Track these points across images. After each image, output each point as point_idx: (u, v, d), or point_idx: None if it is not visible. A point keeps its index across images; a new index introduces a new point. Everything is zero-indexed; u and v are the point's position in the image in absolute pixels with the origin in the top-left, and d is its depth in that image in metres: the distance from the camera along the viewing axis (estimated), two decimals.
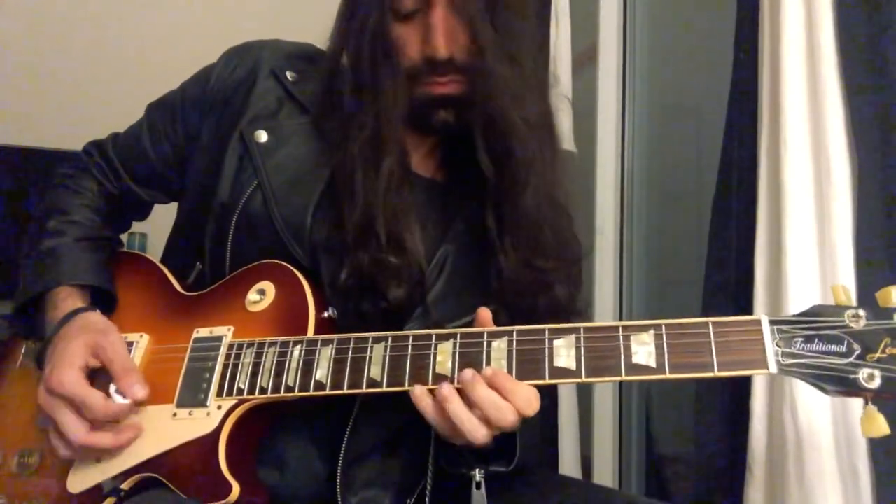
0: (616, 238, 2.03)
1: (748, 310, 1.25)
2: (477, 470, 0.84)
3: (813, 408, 1.11)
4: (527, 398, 0.76)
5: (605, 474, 1.95)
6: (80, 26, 2.50)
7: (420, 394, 0.79)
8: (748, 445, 1.21)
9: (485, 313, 0.84)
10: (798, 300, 1.15)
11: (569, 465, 1.93)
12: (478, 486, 0.83)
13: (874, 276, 1.09)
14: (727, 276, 1.35)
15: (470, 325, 0.86)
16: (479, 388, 0.76)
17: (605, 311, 2.01)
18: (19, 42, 2.43)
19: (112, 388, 0.85)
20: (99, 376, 0.87)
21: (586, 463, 1.97)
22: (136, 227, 1.21)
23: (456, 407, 0.76)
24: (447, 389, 0.77)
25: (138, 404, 0.86)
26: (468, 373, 0.77)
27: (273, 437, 0.91)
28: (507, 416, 0.76)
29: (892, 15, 1.11)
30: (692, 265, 1.55)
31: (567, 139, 2.00)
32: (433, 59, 0.89)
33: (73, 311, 0.92)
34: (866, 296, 1.08)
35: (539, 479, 0.96)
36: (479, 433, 0.76)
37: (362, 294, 0.89)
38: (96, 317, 0.93)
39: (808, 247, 1.16)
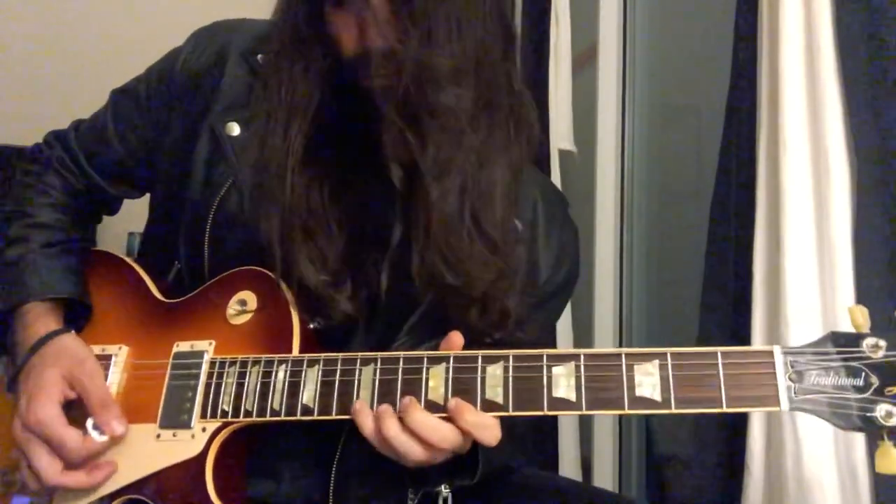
0: (616, 238, 2.03)
1: (747, 311, 1.25)
2: (443, 486, 0.81)
3: None
4: (478, 424, 0.73)
5: (605, 474, 1.95)
6: (60, 18, 2.33)
7: (360, 409, 0.76)
8: (747, 445, 1.21)
9: (456, 338, 0.79)
10: (797, 300, 1.15)
11: (569, 465, 1.93)
12: (445, 501, 0.81)
13: (873, 275, 1.09)
14: (726, 277, 1.35)
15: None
16: (414, 413, 0.73)
17: (604, 312, 2.00)
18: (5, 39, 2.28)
19: (89, 423, 0.82)
20: (75, 407, 0.84)
21: (586, 463, 1.97)
22: (136, 227, 1.19)
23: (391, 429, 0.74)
24: (386, 410, 0.75)
25: (117, 440, 0.83)
26: (406, 399, 0.75)
27: (267, 448, 0.88)
28: (447, 437, 0.73)
29: (891, 15, 1.11)
30: (692, 265, 1.55)
31: (567, 139, 2.01)
32: (367, 52, 0.81)
33: (46, 336, 0.87)
34: (865, 295, 1.08)
35: (534, 483, 0.95)
36: (414, 454, 0.74)
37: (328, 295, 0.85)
38: (71, 341, 0.88)
39: (807, 247, 1.16)
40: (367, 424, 0.75)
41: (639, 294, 2.04)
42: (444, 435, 0.73)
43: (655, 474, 1.97)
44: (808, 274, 1.15)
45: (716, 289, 1.37)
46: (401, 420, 0.74)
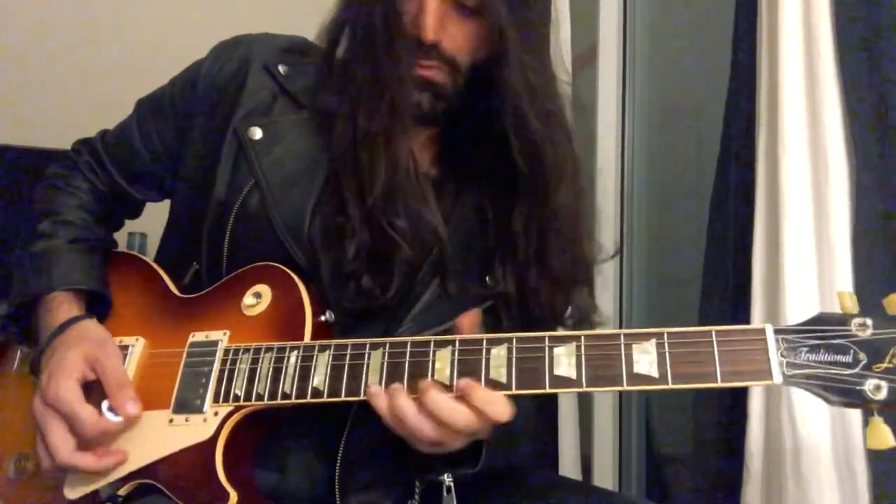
0: (616, 238, 2.03)
1: (746, 310, 1.25)
2: (445, 475, 0.83)
3: (810, 407, 1.11)
4: (486, 400, 0.75)
5: (605, 474, 1.95)
6: (67, 21, 2.42)
7: (376, 392, 0.78)
8: (746, 445, 1.21)
9: (467, 319, 0.82)
10: (796, 300, 1.15)
11: (569, 464, 1.93)
12: (448, 490, 0.83)
13: (871, 275, 1.09)
14: (725, 276, 1.35)
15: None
16: (431, 393, 0.75)
17: (604, 311, 2.00)
18: (10, 40, 2.36)
19: (105, 404, 0.84)
20: (94, 389, 0.86)
21: (586, 463, 1.97)
22: (136, 227, 1.21)
23: (403, 402, 0.76)
24: (397, 387, 0.77)
25: (131, 420, 0.84)
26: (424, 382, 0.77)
27: (273, 439, 0.90)
28: (456, 417, 0.75)
29: (891, 15, 1.12)
30: (692, 265, 1.55)
31: None
32: (418, 40, 0.90)
33: (70, 320, 0.91)
34: (864, 295, 1.08)
35: (535, 479, 0.96)
36: (425, 431, 0.75)
37: (367, 270, 0.88)
38: (93, 326, 0.92)
39: (806, 246, 1.16)
40: (381, 405, 0.77)
41: (639, 293, 2.04)
42: (461, 414, 0.75)
43: (655, 474, 1.97)
44: (806, 273, 1.15)
45: (715, 288, 1.37)
46: (418, 401, 0.75)
